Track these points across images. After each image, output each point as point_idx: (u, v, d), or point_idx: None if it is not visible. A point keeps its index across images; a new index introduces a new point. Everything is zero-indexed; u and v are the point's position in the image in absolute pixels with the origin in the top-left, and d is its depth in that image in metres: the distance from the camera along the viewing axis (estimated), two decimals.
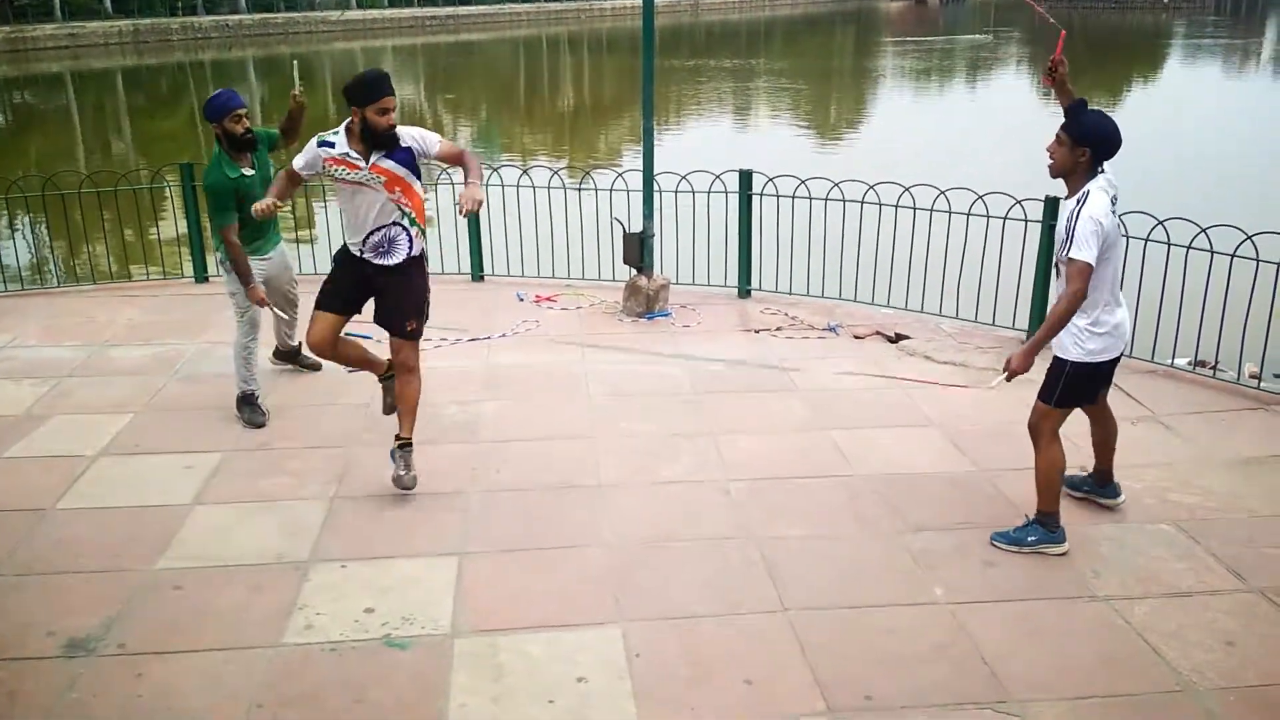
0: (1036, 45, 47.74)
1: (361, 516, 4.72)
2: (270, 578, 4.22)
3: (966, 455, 5.31)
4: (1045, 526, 4.36)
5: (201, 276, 8.45)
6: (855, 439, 5.49)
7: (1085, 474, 4.84)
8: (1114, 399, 6.04)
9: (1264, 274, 5.86)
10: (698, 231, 7.97)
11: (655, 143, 7.73)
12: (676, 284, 7.97)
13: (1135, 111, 25.22)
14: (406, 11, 61.12)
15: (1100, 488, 4.78)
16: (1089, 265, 3.96)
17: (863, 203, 7.32)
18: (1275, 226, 5.86)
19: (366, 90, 4.56)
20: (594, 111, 29.63)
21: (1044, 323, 4.14)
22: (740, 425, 5.64)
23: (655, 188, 7.63)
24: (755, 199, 7.77)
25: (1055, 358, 4.32)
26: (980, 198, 6.84)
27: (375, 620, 3.92)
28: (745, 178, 7.77)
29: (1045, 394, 4.36)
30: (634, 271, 7.73)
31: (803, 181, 7.50)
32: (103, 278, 9.00)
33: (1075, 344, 4.22)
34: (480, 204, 4.51)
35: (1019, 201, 6.75)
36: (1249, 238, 5.81)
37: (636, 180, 7.72)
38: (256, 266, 5.62)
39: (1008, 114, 23.75)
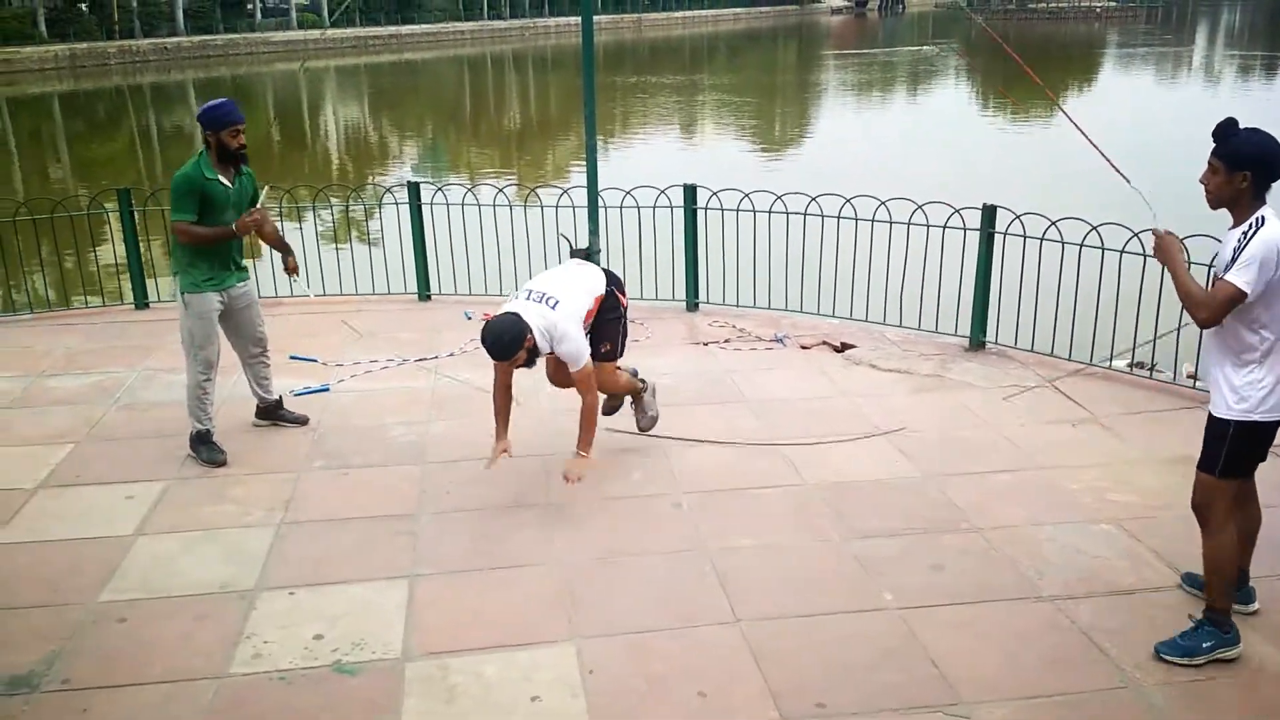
0: (974, 56, 48.62)
1: (309, 542, 4.66)
2: (216, 607, 4.15)
3: (913, 462, 5.38)
4: (1219, 626, 3.75)
5: (142, 303, 8.31)
6: (804, 448, 5.54)
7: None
8: (1053, 400, 6.20)
9: (1198, 275, 6.00)
10: (644, 246, 8.00)
11: (600, 159, 7.76)
12: None
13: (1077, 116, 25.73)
14: (349, 31, 60.81)
15: (1232, 588, 3.96)
16: (1241, 295, 3.44)
17: (805, 215, 7.41)
18: (1213, 230, 5.99)
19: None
20: (540, 129, 29.66)
21: (1181, 275, 3.62)
22: (691, 438, 5.66)
23: (600, 203, 7.65)
24: (700, 213, 7.83)
25: (1213, 418, 3.73)
26: (920, 207, 6.95)
27: (325, 647, 3.87)
28: (690, 192, 7.82)
29: (1207, 463, 3.77)
30: None
31: (746, 195, 7.57)
32: (40, 306, 8.82)
33: (1241, 399, 3.62)
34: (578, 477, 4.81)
35: (957, 210, 6.87)
36: (1182, 241, 5.93)
37: (582, 196, 7.74)
38: (214, 300, 5.42)
39: (947, 125, 24.16)
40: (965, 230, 6.90)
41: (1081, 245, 6.39)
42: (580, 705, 3.55)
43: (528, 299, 4.79)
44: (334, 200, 10.22)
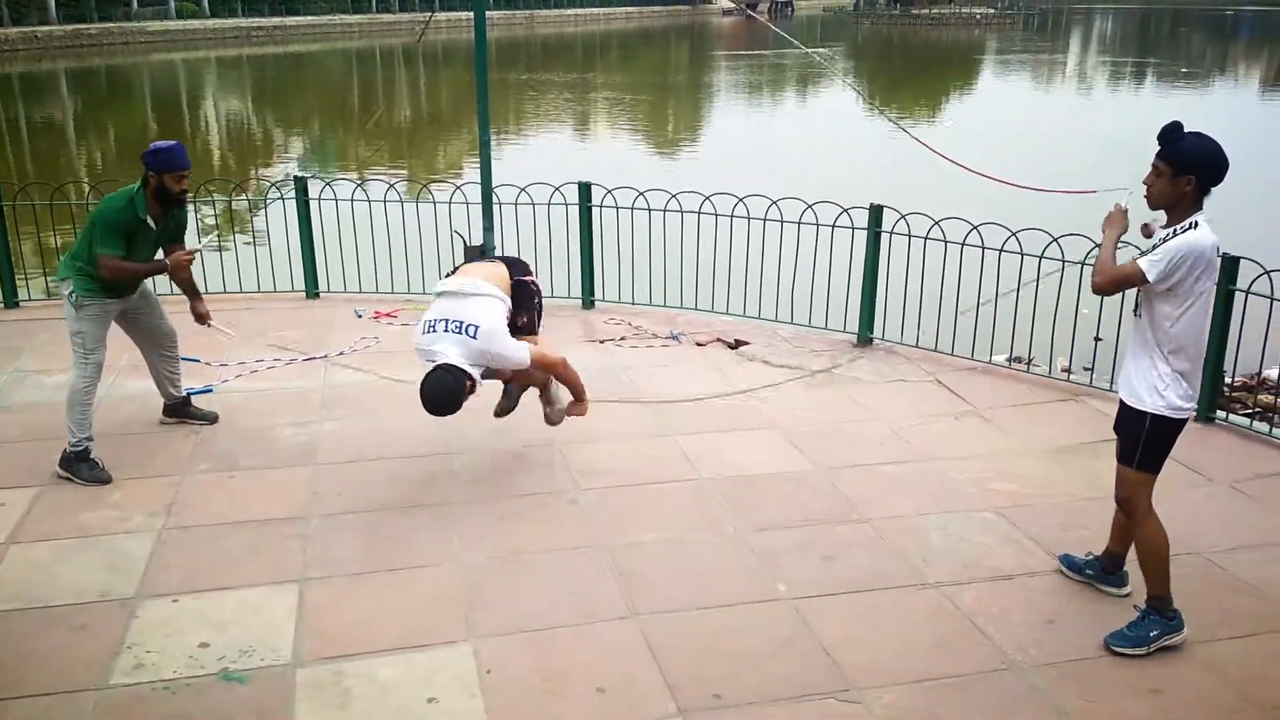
0: (861, 60, 49.80)
1: (193, 548, 4.51)
2: (95, 617, 3.99)
3: (805, 455, 5.49)
4: (1162, 614, 3.85)
5: (11, 301, 7.91)
6: (700, 443, 5.60)
7: (1090, 556, 4.31)
8: (938, 394, 6.40)
9: (1072, 273, 6.26)
10: (539, 243, 7.97)
11: (494, 156, 7.71)
12: None
13: (957, 117, 26.58)
14: (230, 22, 58.91)
15: (1107, 574, 4.23)
16: (1141, 276, 3.56)
17: (699, 213, 7.48)
18: (1087, 230, 6.25)
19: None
20: (431, 125, 29.25)
21: (1105, 247, 3.70)
22: (587, 435, 5.66)
23: (495, 200, 7.60)
24: (595, 210, 7.84)
25: (1131, 409, 3.80)
26: (810, 207, 7.09)
27: (211, 655, 3.76)
28: (584, 189, 7.82)
29: (1124, 456, 3.86)
30: None
31: (641, 193, 7.61)
32: None
33: (1156, 392, 3.71)
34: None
35: (845, 210, 7.03)
36: (1054, 240, 6.20)
37: (476, 193, 7.67)
38: (111, 305, 5.25)
39: (836, 126, 24.68)
40: (853, 229, 7.07)
41: (963, 244, 6.61)
42: (478, 705, 3.53)
43: (445, 331, 4.59)
44: (216, 196, 9.91)
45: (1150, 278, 3.56)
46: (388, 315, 7.85)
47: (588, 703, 3.55)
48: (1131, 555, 4.06)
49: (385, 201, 7.98)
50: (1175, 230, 3.59)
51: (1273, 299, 5.47)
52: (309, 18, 63.20)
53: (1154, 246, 3.62)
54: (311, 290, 8.23)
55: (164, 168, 5.13)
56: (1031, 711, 3.54)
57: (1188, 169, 3.56)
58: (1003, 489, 5.12)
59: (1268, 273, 5.46)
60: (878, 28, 73.94)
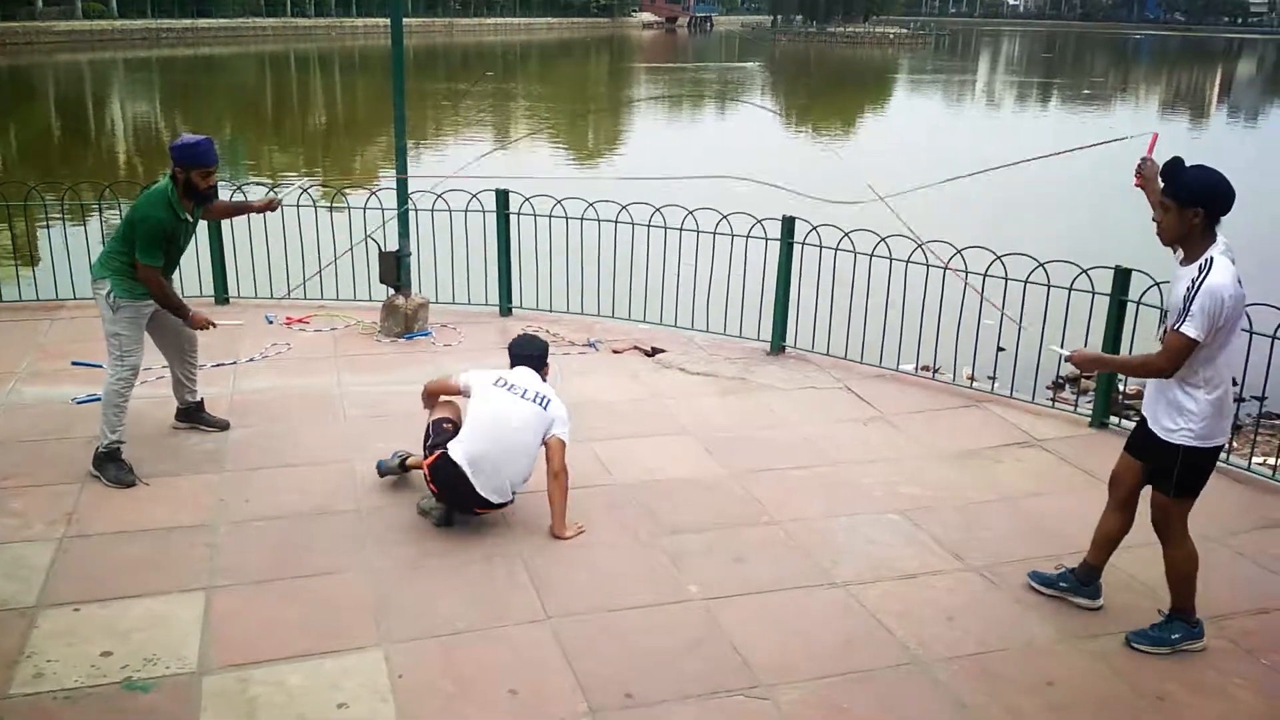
0: (778, 74, 50.58)
1: (96, 556, 4.41)
2: None
3: (718, 460, 5.58)
4: (1186, 621, 4.00)
5: None
6: (615, 449, 5.65)
7: (1062, 569, 4.38)
8: (847, 401, 6.55)
9: (977, 285, 6.48)
10: (456, 251, 7.95)
11: (411, 162, 7.66)
12: (436, 303, 7.92)
13: (874, 137, 27.18)
14: (139, 23, 57.38)
15: (1082, 584, 4.28)
16: (1194, 344, 3.59)
17: (616, 222, 7.54)
18: (989, 243, 6.46)
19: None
20: (347, 130, 28.88)
21: (1124, 358, 3.76)
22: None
23: (411, 206, 7.55)
24: (513, 218, 7.85)
25: (1165, 443, 3.84)
26: (725, 217, 7.21)
27: (114, 664, 3.67)
28: (502, 197, 7.83)
29: (1162, 485, 3.93)
30: (391, 291, 7.62)
31: (559, 201, 7.64)
32: None
33: (1188, 426, 3.77)
34: None
35: (759, 221, 7.16)
36: (958, 252, 6.41)
37: (391, 199, 7.61)
38: (147, 308, 5.22)
39: (753, 137, 25.01)
40: (766, 240, 7.20)
41: (872, 255, 6.78)
42: (389, 710, 3.52)
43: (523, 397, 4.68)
44: (122, 200, 9.64)
45: (1203, 339, 3.58)
46: (299, 321, 7.75)
47: (500, 704, 3.57)
48: (1127, 568, 4.18)
49: (299, 206, 7.88)
50: (1194, 279, 3.60)
51: (1163, 309, 5.72)
52: (221, 20, 61.89)
53: (1184, 301, 3.60)
54: (221, 295, 8.07)
55: (192, 164, 5.08)
56: (932, 704, 3.65)
57: (1194, 202, 3.61)
58: (908, 492, 5.27)
59: (1157, 284, 5.72)
60: (795, 45, 75.16)
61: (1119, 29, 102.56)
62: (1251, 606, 4.30)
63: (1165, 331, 3.75)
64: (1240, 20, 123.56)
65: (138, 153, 23.92)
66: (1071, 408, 6.57)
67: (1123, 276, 5.95)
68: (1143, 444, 3.98)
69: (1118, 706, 3.67)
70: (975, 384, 6.91)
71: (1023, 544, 4.77)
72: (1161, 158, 3.87)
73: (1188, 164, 3.73)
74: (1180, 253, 3.74)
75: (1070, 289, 6.08)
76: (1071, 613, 4.21)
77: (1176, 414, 3.78)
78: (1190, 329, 3.57)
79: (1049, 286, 6.20)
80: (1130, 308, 5.97)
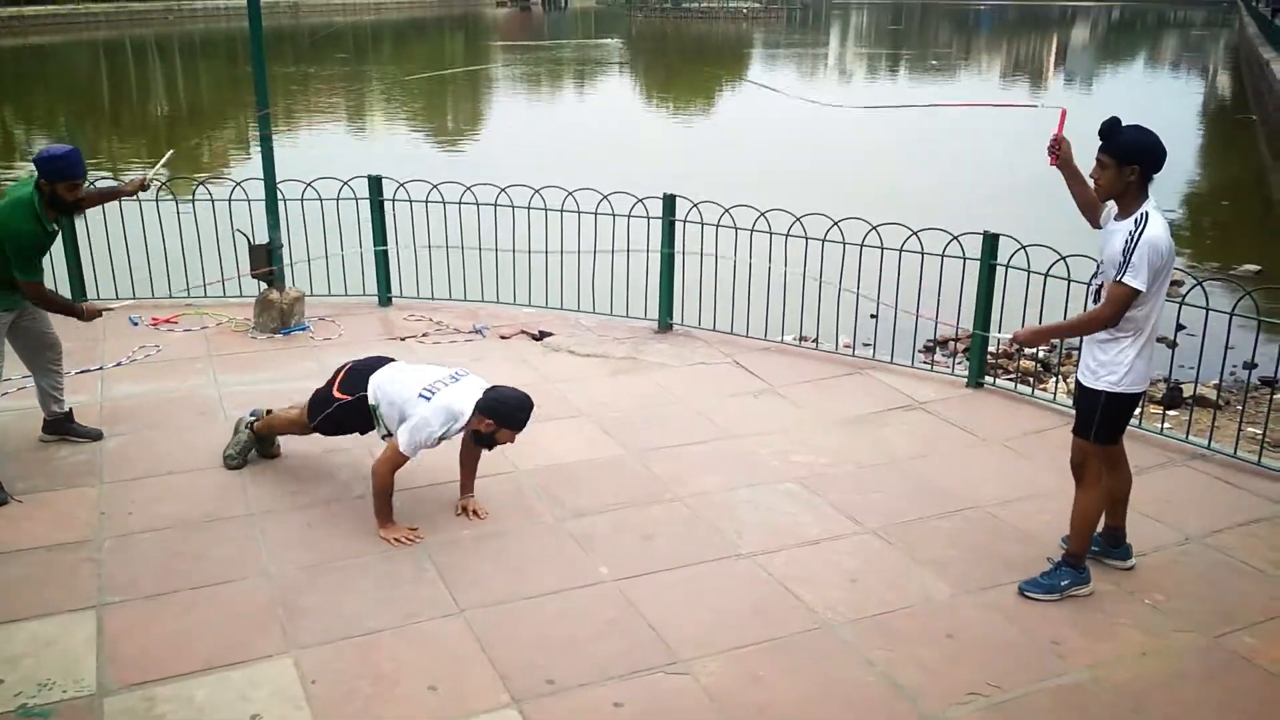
0: (635, 51, 50.66)
1: None
2: None
3: (617, 440, 5.60)
4: (1074, 568, 4.17)
5: None
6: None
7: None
8: (736, 374, 6.66)
9: (852, 254, 6.66)
10: (330, 241, 7.73)
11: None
12: (312, 296, 7.69)
13: (733, 113, 27.50)
14: None
15: (1112, 548, 4.40)
16: (1137, 292, 3.75)
17: (495, 205, 7.45)
18: (856, 213, 6.65)
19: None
20: (191, 119, 27.65)
21: (1063, 322, 3.91)
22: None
23: (279, 195, 7.29)
24: (388, 205, 7.67)
25: (1086, 388, 4.04)
26: (605, 197, 7.21)
27: (5, 692, 3.47)
28: (375, 183, 7.64)
29: (1082, 429, 4.11)
30: (264, 285, 7.35)
31: (435, 186, 7.50)
32: None
33: (1110, 372, 3.94)
34: None
35: (640, 200, 7.19)
36: (836, 224, 6.58)
37: (256, 190, 7.33)
38: (6, 316, 4.98)
39: (620, 117, 25.05)
40: (649, 219, 7.24)
41: (752, 230, 6.89)
42: (305, 716, 3.43)
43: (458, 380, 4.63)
44: None
45: (1144, 288, 3.75)
46: (167, 321, 7.42)
47: (420, 701, 3.52)
48: (1012, 520, 4.36)
49: (158, 201, 7.52)
50: (1130, 232, 3.76)
51: (1029, 272, 6.01)
52: (50, 7, 58.18)
53: (1123, 253, 3.76)
54: (79, 297, 7.65)
55: (59, 177, 4.81)
56: (843, 664, 3.77)
57: (1131, 159, 3.78)
58: (802, 460, 5.41)
59: (1024, 248, 5.99)
60: (650, 21, 75.36)
61: (962, 1, 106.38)
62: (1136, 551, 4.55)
63: (1101, 284, 3.92)
64: None
65: None
66: (948, 370, 6.83)
67: (992, 241, 6.21)
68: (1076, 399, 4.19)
69: (1015, 652, 3.86)
70: (855, 352, 7.11)
71: (914, 504, 4.95)
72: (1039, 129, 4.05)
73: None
74: (1114, 208, 3.93)
75: (943, 256, 6.32)
76: (964, 568, 4.40)
77: (1102, 362, 3.95)
78: (1132, 279, 3.73)
79: (923, 254, 6.41)
80: (999, 271, 6.23)
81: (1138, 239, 3.74)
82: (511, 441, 4.58)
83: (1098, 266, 4.02)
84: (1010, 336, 4.24)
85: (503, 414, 4.45)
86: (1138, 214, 3.81)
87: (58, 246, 7.35)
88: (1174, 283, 4.70)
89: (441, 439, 4.49)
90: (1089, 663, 3.79)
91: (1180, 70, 45.04)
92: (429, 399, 4.47)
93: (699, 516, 4.80)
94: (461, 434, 4.59)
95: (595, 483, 5.11)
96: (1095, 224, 4.13)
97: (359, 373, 4.80)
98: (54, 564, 4.29)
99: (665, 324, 7.45)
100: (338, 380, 4.86)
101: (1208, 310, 5.37)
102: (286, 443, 5.36)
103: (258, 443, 5.23)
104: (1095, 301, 3.96)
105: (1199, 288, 5.37)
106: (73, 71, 39.37)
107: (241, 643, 3.80)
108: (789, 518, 4.82)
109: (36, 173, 4.84)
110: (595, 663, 3.73)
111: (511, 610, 4.04)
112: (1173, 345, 7.38)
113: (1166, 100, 31.46)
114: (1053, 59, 52.57)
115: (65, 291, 7.61)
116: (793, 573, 4.34)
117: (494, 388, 4.57)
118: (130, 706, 3.45)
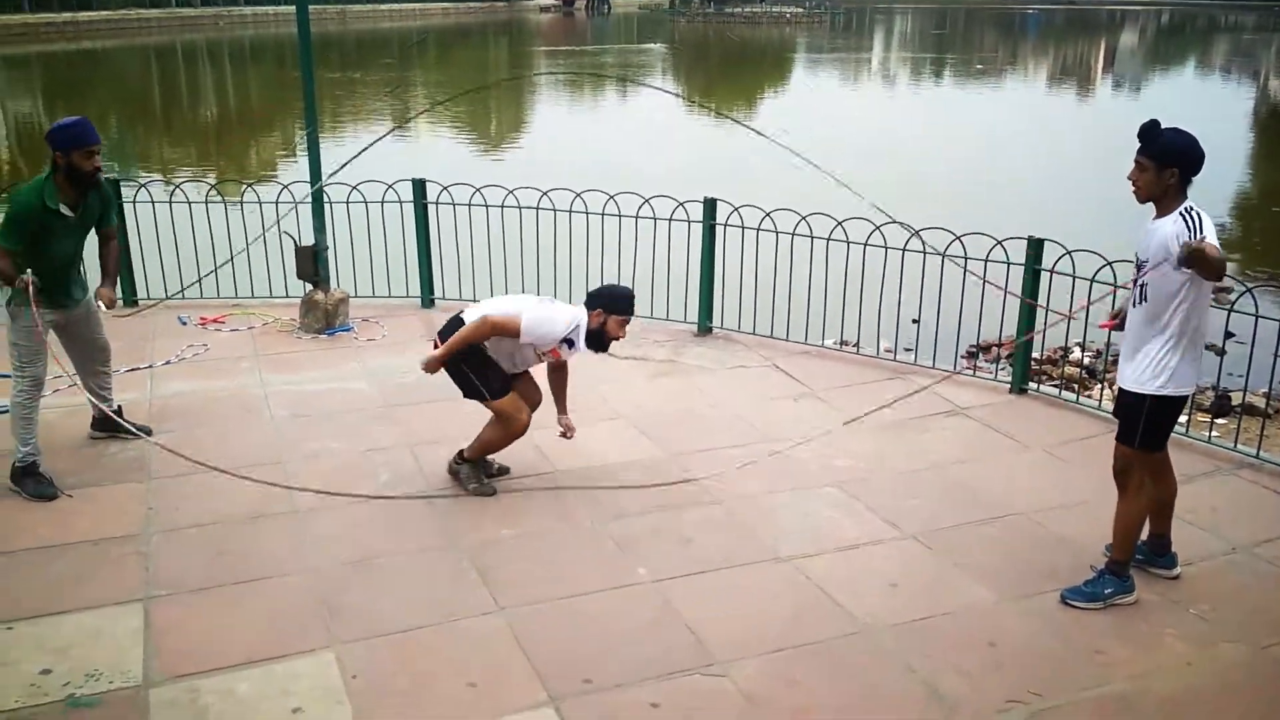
0: (678, 57, 50.68)
1: (24, 572, 4.25)
2: None
3: (655, 443, 5.61)
4: (1118, 576, 4.12)
5: None
6: (554, 437, 5.61)
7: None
8: (776, 378, 6.64)
9: (894, 259, 6.62)
10: (375, 243, 7.82)
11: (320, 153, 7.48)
12: (356, 297, 7.78)
13: (781, 113, 27.41)
14: (15, 17, 54.69)
15: (1157, 556, 4.33)
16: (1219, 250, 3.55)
17: (538, 209, 7.50)
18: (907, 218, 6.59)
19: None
20: (240, 123, 28.07)
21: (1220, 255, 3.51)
22: (437, 435, 5.61)
23: (325, 198, 7.39)
24: (431, 207, 7.74)
25: (1128, 393, 3.96)
26: (646, 201, 7.22)
27: (54, 681, 3.55)
28: (419, 186, 7.72)
29: (1126, 436, 4.03)
30: (309, 287, 7.46)
31: (478, 189, 7.56)
32: None
33: (1153, 376, 3.87)
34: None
35: (681, 204, 7.19)
36: (878, 228, 6.53)
37: (302, 192, 7.43)
38: (50, 315, 4.98)
39: (663, 121, 25.06)
40: (689, 222, 7.24)
41: (794, 235, 6.88)
42: (345, 711, 3.47)
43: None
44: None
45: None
46: (214, 321, 7.54)
47: (458, 698, 3.55)
48: (1054, 528, 4.32)
49: (207, 203, 7.66)
50: (1183, 214, 3.68)
51: (1075, 277, 5.93)
52: (104, 12, 59.36)
53: (1188, 230, 3.64)
54: (129, 298, 7.80)
55: (71, 145, 4.77)
56: (882, 670, 3.75)
57: (1170, 162, 3.72)
58: (842, 465, 5.38)
59: (1070, 253, 5.92)
60: (694, 26, 75.38)
61: (1008, 4, 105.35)
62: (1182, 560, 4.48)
63: (1145, 283, 3.82)
64: None
65: (22, 153, 22.89)
66: (990, 376, 6.77)
67: (1036, 246, 6.14)
68: (1117, 405, 4.13)
69: (1057, 661, 3.81)
70: (896, 357, 7.07)
71: (955, 509, 4.91)
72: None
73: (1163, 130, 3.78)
74: (1155, 210, 3.84)
75: (986, 261, 6.26)
76: (1006, 575, 4.36)
77: (1144, 366, 3.88)
78: (1211, 246, 3.52)
79: (965, 259, 6.35)
80: (1044, 276, 6.16)
81: (1196, 216, 3.67)
82: (622, 335, 4.84)
83: (1138, 266, 3.94)
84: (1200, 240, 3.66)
85: (608, 299, 4.78)
86: (1181, 209, 3.73)
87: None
88: (1222, 289, 4.62)
89: (565, 342, 4.79)
90: (1132, 673, 3.74)
91: (1231, 75, 44.24)
92: (554, 303, 4.86)
93: (737, 519, 4.79)
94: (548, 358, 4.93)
95: (634, 483, 5.12)
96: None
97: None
98: (102, 557, 4.37)
99: (705, 327, 7.45)
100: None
101: (1257, 317, 5.28)
102: (326, 443, 5.44)
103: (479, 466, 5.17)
104: (1143, 300, 3.88)
105: (1248, 294, 5.28)
106: (124, 76, 40.14)
107: (283, 637, 3.85)
108: (828, 522, 4.80)
109: (51, 150, 4.79)
110: (632, 663, 3.74)
111: (550, 610, 4.06)
112: (1221, 353, 7.24)
113: (1216, 105, 30.90)
114: (1100, 64, 51.89)
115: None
116: (832, 577, 4.32)
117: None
118: (175, 698, 3.51)
